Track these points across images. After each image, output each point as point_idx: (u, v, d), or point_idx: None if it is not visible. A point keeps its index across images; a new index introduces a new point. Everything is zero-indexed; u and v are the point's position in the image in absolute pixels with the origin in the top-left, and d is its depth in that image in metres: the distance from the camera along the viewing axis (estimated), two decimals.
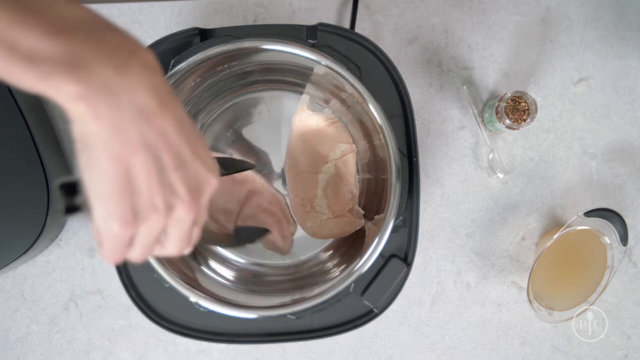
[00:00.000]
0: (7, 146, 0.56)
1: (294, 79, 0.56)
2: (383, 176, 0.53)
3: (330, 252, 0.59)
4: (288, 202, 0.59)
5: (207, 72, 0.52)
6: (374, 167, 0.57)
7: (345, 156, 0.58)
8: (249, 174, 0.58)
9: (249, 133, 0.59)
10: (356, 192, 0.58)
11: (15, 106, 0.56)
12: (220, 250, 0.59)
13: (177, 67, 0.48)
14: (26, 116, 0.56)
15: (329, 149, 0.58)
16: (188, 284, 0.48)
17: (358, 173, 0.58)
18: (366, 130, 0.57)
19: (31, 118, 0.56)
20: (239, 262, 0.59)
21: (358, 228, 0.57)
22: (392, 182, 0.48)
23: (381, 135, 0.49)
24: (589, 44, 0.63)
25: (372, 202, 0.57)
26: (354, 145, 0.58)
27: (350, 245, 0.58)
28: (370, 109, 0.48)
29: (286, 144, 0.59)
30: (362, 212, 0.57)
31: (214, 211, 0.57)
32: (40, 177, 0.56)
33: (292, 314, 0.47)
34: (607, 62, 0.63)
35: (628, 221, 0.62)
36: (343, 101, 0.56)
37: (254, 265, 0.59)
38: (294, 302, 0.47)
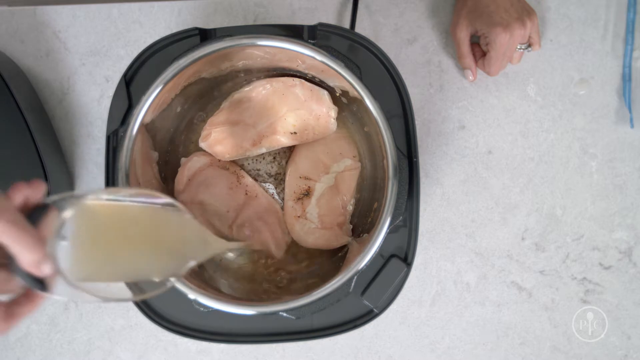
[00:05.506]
0: (7, 146, 0.56)
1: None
2: (379, 198, 0.53)
3: (306, 262, 0.59)
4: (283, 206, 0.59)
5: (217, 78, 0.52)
6: (372, 187, 0.58)
7: (348, 171, 0.58)
8: (248, 180, 0.58)
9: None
10: (350, 208, 0.58)
11: (16, 106, 0.56)
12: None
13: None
14: (26, 116, 0.56)
15: (333, 160, 0.58)
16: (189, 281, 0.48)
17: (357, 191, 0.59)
18: (373, 151, 0.57)
19: (31, 118, 0.57)
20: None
21: (343, 244, 0.57)
22: (389, 179, 0.48)
23: (379, 135, 0.49)
24: (589, 44, 0.63)
25: (363, 221, 0.57)
26: (360, 163, 0.58)
27: (328, 259, 0.58)
28: (368, 106, 0.48)
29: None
30: (351, 227, 0.58)
31: (210, 216, 0.57)
32: (40, 177, 0.56)
33: (290, 310, 0.47)
34: (607, 62, 0.63)
35: (628, 221, 0.62)
36: (359, 119, 0.57)
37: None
38: (291, 299, 0.47)
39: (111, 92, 0.51)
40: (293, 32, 0.51)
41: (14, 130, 0.55)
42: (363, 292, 0.49)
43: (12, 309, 0.32)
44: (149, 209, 0.37)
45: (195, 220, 0.40)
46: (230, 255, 0.59)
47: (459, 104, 0.63)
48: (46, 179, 0.56)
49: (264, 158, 0.60)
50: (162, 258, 0.38)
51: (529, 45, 0.58)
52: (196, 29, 0.51)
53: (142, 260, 0.36)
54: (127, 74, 0.51)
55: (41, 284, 0.31)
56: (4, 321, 0.32)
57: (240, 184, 0.58)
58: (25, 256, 0.30)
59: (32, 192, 0.32)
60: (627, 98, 0.62)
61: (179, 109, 0.56)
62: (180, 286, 0.47)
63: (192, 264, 0.39)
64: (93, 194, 0.33)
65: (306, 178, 0.58)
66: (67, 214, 0.32)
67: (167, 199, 0.38)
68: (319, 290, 0.47)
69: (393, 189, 0.48)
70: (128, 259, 0.35)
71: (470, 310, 0.62)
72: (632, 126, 0.62)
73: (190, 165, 0.57)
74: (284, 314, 0.48)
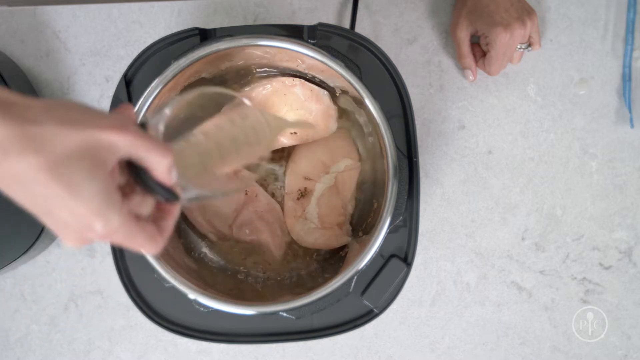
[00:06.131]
0: None
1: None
2: (379, 198, 0.53)
3: (306, 262, 0.59)
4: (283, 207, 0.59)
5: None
6: (372, 187, 0.58)
7: (348, 171, 0.58)
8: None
9: None
10: (350, 208, 0.58)
11: None
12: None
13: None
14: None
15: (332, 160, 0.58)
16: (188, 281, 0.48)
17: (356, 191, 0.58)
18: (373, 151, 0.57)
19: None
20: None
21: (343, 244, 0.57)
22: (389, 179, 0.48)
23: (379, 135, 0.49)
24: (589, 44, 0.63)
25: (363, 221, 0.57)
26: (359, 163, 0.58)
27: (329, 258, 0.58)
28: (368, 106, 0.48)
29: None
30: (351, 228, 0.58)
31: (211, 216, 0.57)
32: None
33: (290, 310, 0.47)
34: (607, 62, 0.63)
35: (628, 221, 0.62)
36: (356, 120, 0.57)
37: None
38: (291, 299, 0.47)
39: (111, 92, 0.51)
40: (293, 32, 0.51)
41: None
42: (363, 292, 0.49)
43: (159, 225, 0.33)
44: (220, 117, 0.39)
45: (253, 107, 0.42)
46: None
47: (459, 104, 0.63)
48: None
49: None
50: (245, 150, 0.40)
51: (529, 45, 0.59)
52: (196, 29, 0.51)
53: (230, 158, 0.39)
54: (127, 74, 0.51)
55: (171, 194, 0.32)
56: (160, 235, 0.33)
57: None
58: (161, 163, 0.30)
59: (129, 112, 0.33)
60: (627, 98, 0.62)
61: None
62: (180, 286, 0.47)
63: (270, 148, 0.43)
64: (170, 106, 0.34)
65: (306, 178, 0.58)
66: (161, 128, 0.33)
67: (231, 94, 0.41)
68: (319, 290, 0.47)
69: (393, 189, 0.48)
70: (219, 160, 0.38)
71: (470, 310, 0.62)
72: (632, 126, 0.62)
73: None
74: (284, 314, 0.48)
